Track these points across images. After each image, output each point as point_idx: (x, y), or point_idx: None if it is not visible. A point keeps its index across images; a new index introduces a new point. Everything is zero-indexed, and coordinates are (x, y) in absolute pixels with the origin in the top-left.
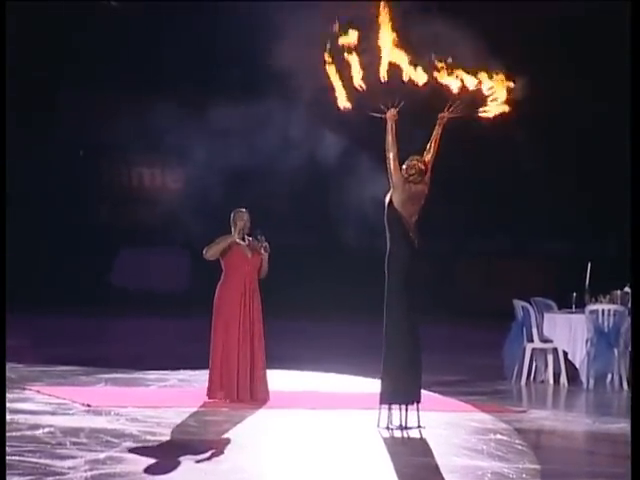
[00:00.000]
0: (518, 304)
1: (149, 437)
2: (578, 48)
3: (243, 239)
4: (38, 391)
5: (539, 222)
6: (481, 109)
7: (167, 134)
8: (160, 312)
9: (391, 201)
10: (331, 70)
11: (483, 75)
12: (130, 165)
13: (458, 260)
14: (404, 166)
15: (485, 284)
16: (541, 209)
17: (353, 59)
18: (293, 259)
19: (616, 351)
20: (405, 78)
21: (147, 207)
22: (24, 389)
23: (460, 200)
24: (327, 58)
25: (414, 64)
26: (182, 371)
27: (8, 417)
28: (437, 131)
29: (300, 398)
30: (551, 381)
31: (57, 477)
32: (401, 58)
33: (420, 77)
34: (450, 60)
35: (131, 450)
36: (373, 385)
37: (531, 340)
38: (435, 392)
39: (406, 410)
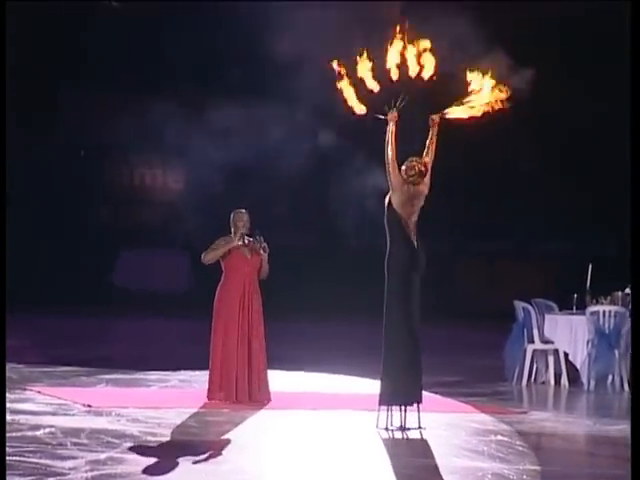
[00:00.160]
0: (519, 305)
1: (150, 438)
2: (578, 48)
3: (243, 240)
4: (39, 391)
5: (540, 223)
6: (466, 104)
7: (168, 134)
8: (161, 313)
9: (390, 202)
10: (343, 83)
11: (474, 75)
12: (131, 165)
13: (458, 261)
14: (403, 167)
15: (486, 285)
16: (542, 210)
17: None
18: (293, 260)
19: (617, 352)
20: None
21: (148, 207)
22: (25, 389)
23: (460, 201)
24: (338, 68)
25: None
26: (183, 372)
27: (9, 417)
28: (432, 132)
29: (300, 399)
30: (552, 382)
31: (58, 478)
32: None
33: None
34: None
35: (132, 451)
36: (373, 386)
37: (532, 341)
38: (436, 393)
39: (405, 411)
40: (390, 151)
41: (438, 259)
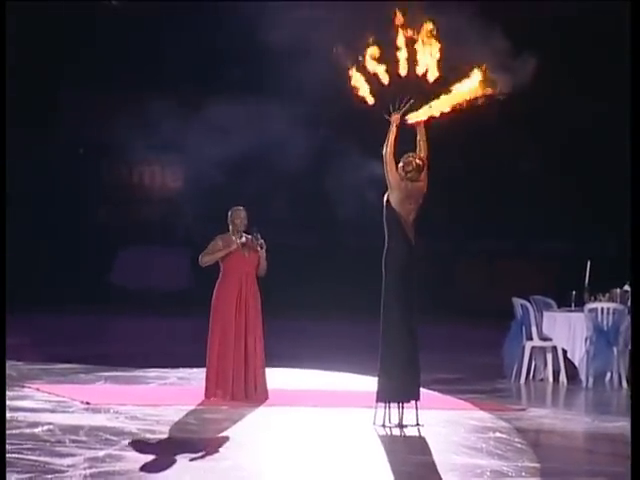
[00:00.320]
0: (517, 302)
1: (148, 435)
2: (578, 48)
3: (240, 237)
4: (38, 389)
5: (539, 221)
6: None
7: (167, 133)
8: (160, 311)
9: (389, 200)
10: (355, 75)
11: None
12: (130, 164)
13: (458, 259)
14: (400, 164)
15: (485, 283)
16: (541, 208)
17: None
18: (292, 258)
19: (615, 350)
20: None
21: (147, 206)
22: (24, 387)
23: (460, 200)
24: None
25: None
26: (182, 369)
27: (8, 415)
28: (419, 131)
29: (299, 396)
30: (550, 379)
31: (56, 475)
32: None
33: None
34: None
35: (130, 448)
36: (371, 383)
37: (530, 338)
38: (434, 390)
39: (402, 408)
40: (388, 150)
41: (438, 258)
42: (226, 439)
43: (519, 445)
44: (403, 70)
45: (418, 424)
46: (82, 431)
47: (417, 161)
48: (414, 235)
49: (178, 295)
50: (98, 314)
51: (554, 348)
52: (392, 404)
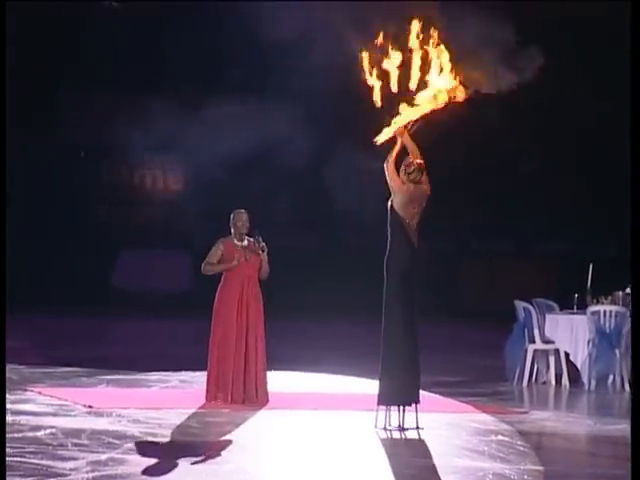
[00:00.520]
0: (520, 305)
1: (151, 438)
2: (579, 48)
3: (242, 240)
4: (40, 392)
5: (541, 223)
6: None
7: (168, 134)
8: (161, 313)
9: (392, 205)
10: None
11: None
12: (131, 166)
13: (460, 261)
14: (402, 167)
15: (487, 285)
16: (543, 210)
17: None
18: (293, 259)
19: (618, 352)
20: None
21: (148, 208)
22: (26, 390)
23: (462, 202)
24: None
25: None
26: (184, 372)
27: (10, 418)
28: (404, 140)
29: (301, 399)
30: (553, 382)
31: (59, 478)
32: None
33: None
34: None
35: (132, 451)
36: (372, 386)
37: (533, 341)
38: (436, 393)
39: (404, 411)
40: (390, 160)
41: (440, 259)
42: (228, 442)
43: (521, 448)
44: (413, 85)
45: (418, 427)
46: (84, 434)
47: (418, 161)
48: (417, 239)
49: (179, 297)
50: (99, 316)
51: (556, 351)
52: (393, 407)
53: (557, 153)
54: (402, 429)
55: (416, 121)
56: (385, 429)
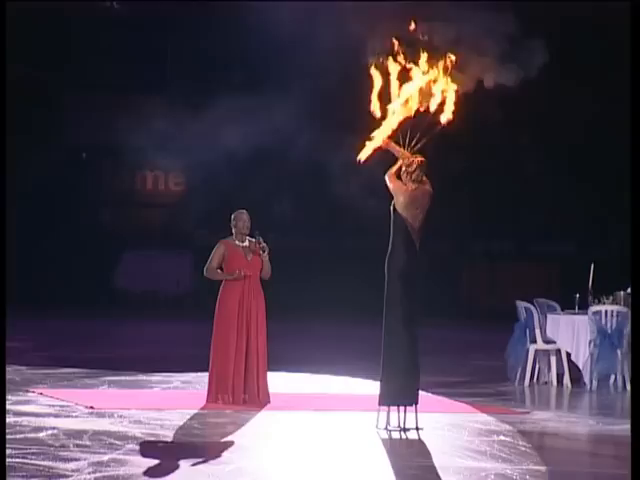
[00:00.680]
0: (521, 305)
1: (152, 439)
2: (581, 47)
3: (243, 240)
4: (41, 393)
5: (542, 223)
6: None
7: (169, 135)
8: (163, 314)
9: (395, 207)
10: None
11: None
12: (133, 167)
13: (462, 261)
14: (403, 169)
15: (488, 285)
16: (544, 210)
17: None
18: (296, 259)
19: (619, 352)
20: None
21: (150, 209)
22: (27, 391)
23: (464, 202)
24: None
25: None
26: (185, 373)
27: (12, 419)
28: (391, 149)
29: (302, 400)
30: (554, 382)
31: (61, 479)
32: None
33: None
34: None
35: (134, 452)
36: (373, 387)
37: (534, 341)
38: (438, 393)
39: (404, 412)
40: (391, 171)
41: (442, 260)
42: (230, 443)
43: (523, 448)
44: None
45: (418, 428)
46: (86, 435)
47: (419, 158)
48: (420, 241)
49: (181, 298)
50: (101, 318)
51: (558, 351)
52: (394, 407)
53: (558, 153)
54: (403, 429)
55: (420, 139)
56: (386, 429)
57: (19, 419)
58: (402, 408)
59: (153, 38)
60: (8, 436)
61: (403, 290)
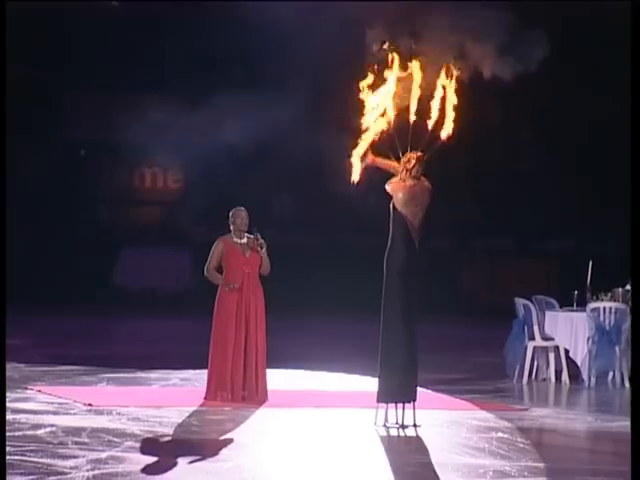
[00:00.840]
0: (519, 302)
1: (151, 437)
2: (582, 47)
3: (241, 237)
4: (40, 391)
5: (541, 220)
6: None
7: (168, 133)
8: (162, 311)
9: (394, 205)
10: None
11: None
12: (131, 164)
13: (460, 259)
14: (401, 167)
15: (487, 282)
16: (543, 208)
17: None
18: (295, 256)
19: (617, 349)
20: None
21: (148, 206)
22: (26, 389)
23: (462, 199)
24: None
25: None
26: (184, 370)
27: (10, 417)
28: (379, 163)
29: (301, 397)
30: (553, 379)
31: (59, 477)
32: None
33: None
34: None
35: (133, 450)
36: (371, 383)
37: (533, 338)
38: (437, 390)
39: (403, 408)
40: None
41: (441, 257)
42: (228, 440)
43: (522, 445)
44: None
45: (416, 425)
46: (84, 433)
47: (418, 154)
48: (419, 239)
49: (180, 296)
50: (100, 315)
51: (556, 348)
52: (392, 404)
53: (558, 150)
54: (401, 427)
55: (420, 157)
56: (384, 427)
57: (17, 416)
58: (400, 405)
59: (151, 36)
60: (7, 433)
61: (402, 286)
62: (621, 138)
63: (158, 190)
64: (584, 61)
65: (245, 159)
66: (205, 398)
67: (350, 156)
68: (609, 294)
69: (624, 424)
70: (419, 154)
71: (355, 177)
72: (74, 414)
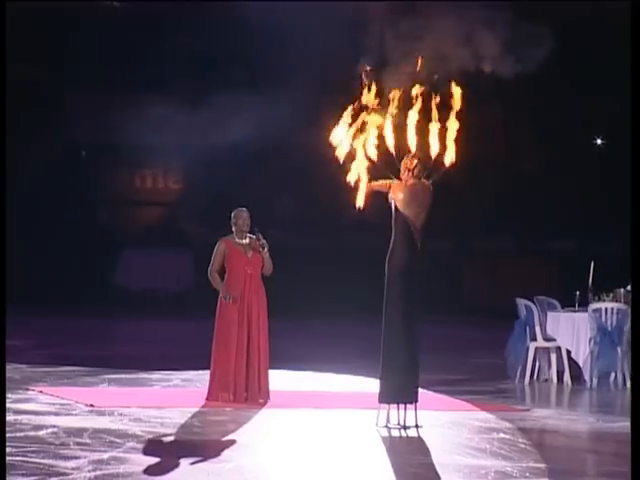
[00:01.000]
0: (521, 303)
1: (152, 437)
2: (583, 47)
3: (243, 238)
4: (41, 391)
5: (543, 221)
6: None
7: (168, 134)
8: (163, 312)
9: (396, 205)
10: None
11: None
12: (132, 166)
13: (462, 259)
14: (402, 169)
15: (489, 283)
16: (544, 208)
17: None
18: (296, 257)
19: (619, 349)
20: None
21: (150, 207)
22: (28, 389)
23: (464, 200)
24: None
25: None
26: (185, 371)
27: (12, 418)
28: (378, 189)
29: (303, 398)
30: (554, 380)
31: (61, 477)
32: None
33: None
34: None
35: (134, 450)
36: (373, 384)
37: (534, 339)
38: (438, 391)
39: (405, 409)
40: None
41: (442, 257)
42: (230, 441)
43: (523, 446)
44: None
45: (417, 425)
46: (86, 433)
47: (414, 156)
48: (421, 240)
49: (181, 297)
50: (101, 316)
51: (558, 348)
52: (393, 405)
53: (559, 151)
54: (403, 427)
55: (414, 167)
56: (386, 427)
57: (19, 417)
58: (402, 406)
59: (152, 36)
60: (8, 434)
61: (403, 287)
62: (621, 138)
63: (159, 191)
64: (584, 61)
65: (246, 159)
66: (207, 399)
67: (348, 183)
68: (611, 295)
69: (626, 425)
70: (417, 155)
71: (360, 204)
72: (76, 415)
